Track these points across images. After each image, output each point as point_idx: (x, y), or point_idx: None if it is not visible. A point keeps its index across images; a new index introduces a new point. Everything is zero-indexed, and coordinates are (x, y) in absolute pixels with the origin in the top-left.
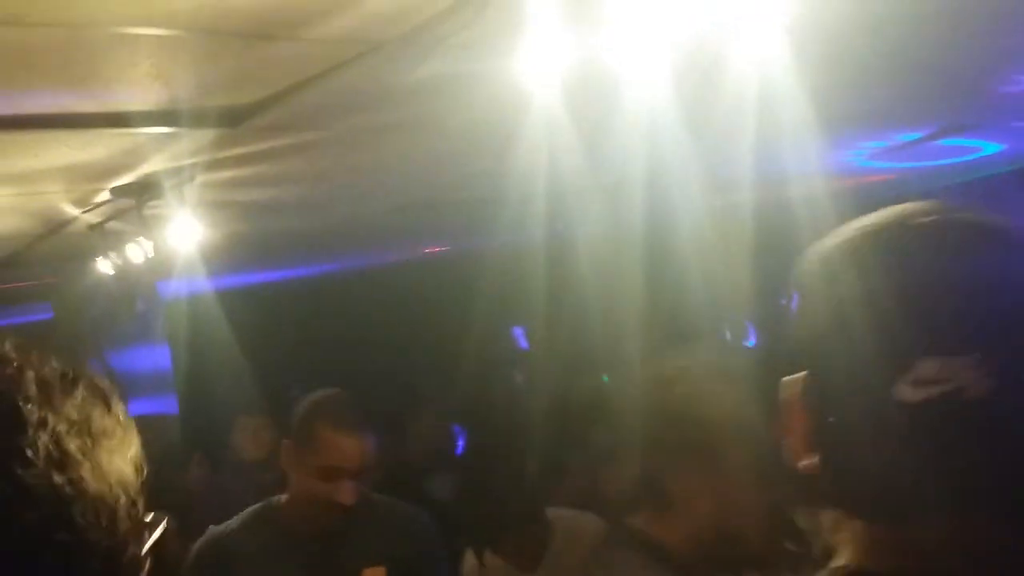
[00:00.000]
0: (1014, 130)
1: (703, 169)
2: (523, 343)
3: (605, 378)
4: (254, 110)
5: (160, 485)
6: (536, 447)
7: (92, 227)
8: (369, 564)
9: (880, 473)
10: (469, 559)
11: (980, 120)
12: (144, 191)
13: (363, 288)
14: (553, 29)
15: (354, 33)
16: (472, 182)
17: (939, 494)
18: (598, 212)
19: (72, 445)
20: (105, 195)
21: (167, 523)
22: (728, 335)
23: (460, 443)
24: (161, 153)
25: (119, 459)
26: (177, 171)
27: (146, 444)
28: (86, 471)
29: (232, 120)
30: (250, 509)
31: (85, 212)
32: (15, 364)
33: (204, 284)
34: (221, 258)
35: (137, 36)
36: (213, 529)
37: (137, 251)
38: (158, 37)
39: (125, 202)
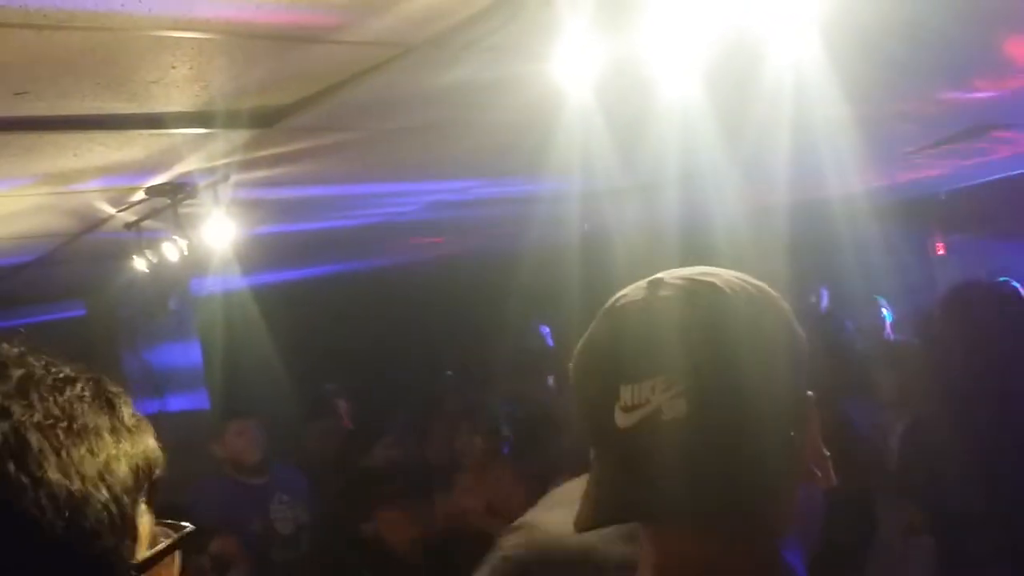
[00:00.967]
0: None
1: (737, 169)
2: (550, 341)
3: None
4: (288, 111)
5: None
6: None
7: (128, 226)
8: None
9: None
10: None
11: (1010, 119)
12: (179, 190)
13: (394, 286)
14: (587, 31)
15: (388, 36)
16: (505, 181)
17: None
18: (632, 212)
19: (34, 437)
20: (141, 194)
21: (187, 534)
22: None
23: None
24: (196, 153)
25: (107, 458)
26: (212, 171)
27: (176, 440)
28: (48, 463)
29: (266, 121)
30: None
31: (121, 211)
32: (1, 361)
33: (237, 282)
34: (254, 256)
35: (176, 39)
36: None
37: (171, 250)
38: (196, 40)
39: (160, 201)
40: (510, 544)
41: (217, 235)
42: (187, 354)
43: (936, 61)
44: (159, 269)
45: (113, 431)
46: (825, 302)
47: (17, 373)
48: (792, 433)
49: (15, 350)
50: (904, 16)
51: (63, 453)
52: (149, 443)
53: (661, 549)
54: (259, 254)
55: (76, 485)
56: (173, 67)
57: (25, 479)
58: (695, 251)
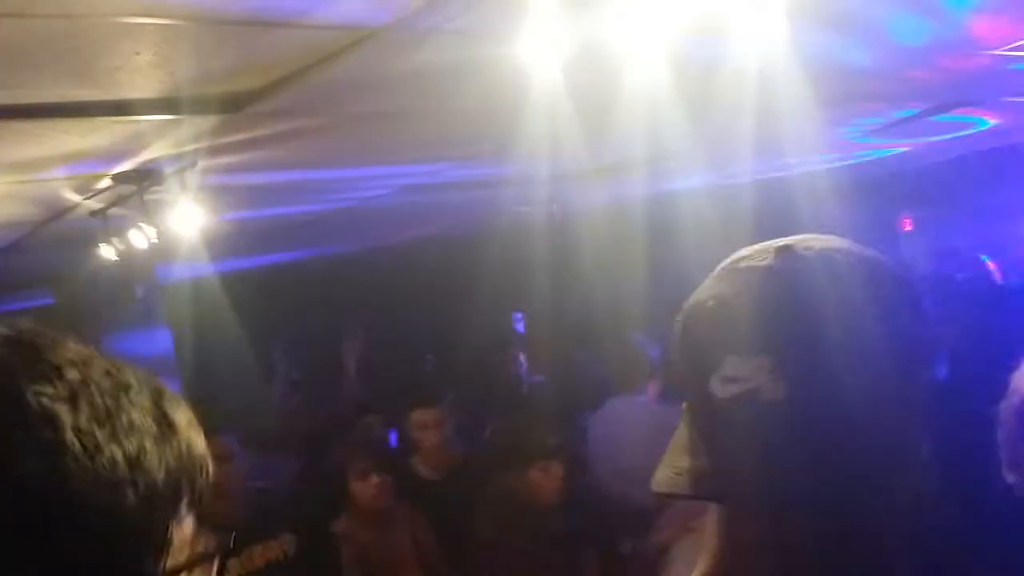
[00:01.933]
0: (1008, 105)
1: (704, 150)
2: (519, 327)
3: None
4: (255, 97)
5: None
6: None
7: (94, 213)
8: None
9: (719, 468)
10: None
11: (974, 96)
12: (146, 178)
13: (363, 270)
14: (554, 14)
15: (354, 19)
16: (473, 164)
17: (757, 491)
18: (599, 194)
19: (68, 419)
20: (107, 182)
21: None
22: None
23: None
24: (163, 140)
25: (148, 465)
26: (179, 157)
27: None
28: (84, 471)
29: (233, 107)
30: None
31: (87, 199)
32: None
33: (205, 269)
34: (222, 243)
35: (139, 25)
36: None
37: (139, 237)
38: (160, 26)
39: (127, 188)
40: None
41: (185, 222)
42: (156, 342)
43: (896, 39)
44: (127, 257)
45: (159, 439)
46: None
47: (72, 375)
48: (909, 434)
49: (77, 353)
50: None
51: (98, 459)
52: (196, 451)
53: (731, 536)
54: (227, 240)
55: (104, 495)
56: (137, 53)
57: (59, 484)
58: (662, 232)
